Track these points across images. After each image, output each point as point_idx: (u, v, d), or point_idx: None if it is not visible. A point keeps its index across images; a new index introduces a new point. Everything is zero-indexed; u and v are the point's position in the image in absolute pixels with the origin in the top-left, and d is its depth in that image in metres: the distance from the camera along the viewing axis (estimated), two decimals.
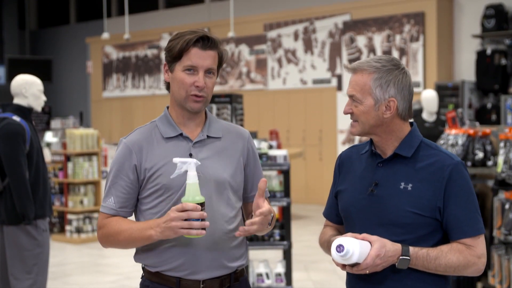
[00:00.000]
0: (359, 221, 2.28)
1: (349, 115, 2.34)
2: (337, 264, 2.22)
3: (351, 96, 2.30)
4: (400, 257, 2.17)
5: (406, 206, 2.23)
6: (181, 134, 2.46)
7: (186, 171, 2.26)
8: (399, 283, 2.24)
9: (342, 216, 2.41)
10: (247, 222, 2.33)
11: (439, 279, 2.27)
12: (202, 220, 2.24)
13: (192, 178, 2.25)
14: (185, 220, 2.23)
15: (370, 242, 2.17)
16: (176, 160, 2.29)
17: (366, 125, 2.28)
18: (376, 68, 2.26)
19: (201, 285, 2.41)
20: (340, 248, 2.12)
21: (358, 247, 2.13)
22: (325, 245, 2.43)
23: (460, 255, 2.21)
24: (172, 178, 2.33)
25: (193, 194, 2.25)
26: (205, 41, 2.40)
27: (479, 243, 2.24)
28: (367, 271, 2.17)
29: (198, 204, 2.24)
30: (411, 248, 2.19)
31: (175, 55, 2.40)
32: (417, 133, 2.34)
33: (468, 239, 2.23)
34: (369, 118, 2.27)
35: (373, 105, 2.26)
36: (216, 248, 2.42)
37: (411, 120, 2.38)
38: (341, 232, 2.46)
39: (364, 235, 2.20)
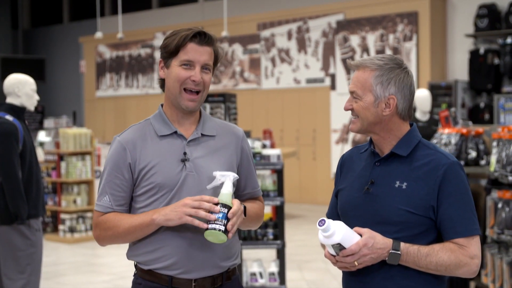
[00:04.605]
0: (355, 219, 2.29)
1: (344, 115, 2.36)
2: (327, 257, 2.24)
3: (352, 92, 2.31)
4: (391, 251, 2.18)
5: (399, 205, 2.23)
6: (175, 132, 2.45)
7: (222, 183, 2.35)
8: (390, 281, 2.24)
9: (340, 215, 2.42)
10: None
11: (432, 279, 2.26)
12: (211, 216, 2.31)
13: (228, 189, 2.33)
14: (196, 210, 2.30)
15: (361, 235, 2.19)
16: (216, 173, 2.37)
17: (365, 122, 2.30)
18: (378, 66, 2.28)
19: (193, 284, 2.41)
20: (321, 222, 2.15)
21: (343, 229, 2.16)
22: None
23: (452, 254, 2.19)
24: (208, 188, 2.38)
25: (224, 200, 2.32)
26: (202, 37, 2.42)
27: (473, 244, 2.22)
28: (356, 263, 2.18)
29: (225, 206, 2.29)
30: (402, 244, 2.19)
31: (171, 51, 2.41)
32: (415, 133, 2.35)
33: (461, 239, 2.21)
34: (368, 115, 2.28)
35: (373, 101, 2.27)
36: (210, 247, 2.41)
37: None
38: None
39: (356, 228, 2.22)
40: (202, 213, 2.28)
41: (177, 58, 2.42)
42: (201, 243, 2.40)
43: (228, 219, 2.28)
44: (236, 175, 2.37)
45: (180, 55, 2.41)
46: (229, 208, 2.29)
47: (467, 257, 2.20)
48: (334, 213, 2.49)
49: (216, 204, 2.30)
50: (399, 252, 2.18)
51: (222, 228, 2.27)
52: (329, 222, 2.15)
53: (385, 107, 2.28)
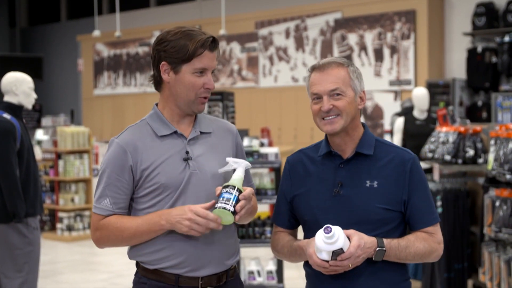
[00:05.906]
0: (327, 222, 2.27)
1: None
2: (318, 264, 2.22)
3: (332, 91, 2.32)
4: (377, 249, 2.24)
5: (375, 203, 2.30)
6: (175, 132, 2.44)
7: (234, 169, 2.36)
8: (373, 276, 2.30)
9: (303, 220, 2.43)
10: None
11: (401, 268, 2.38)
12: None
13: (240, 174, 2.34)
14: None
15: (347, 236, 2.22)
16: (228, 159, 2.38)
17: (349, 118, 2.34)
18: (349, 62, 2.38)
19: (200, 282, 2.41)
20: (328, 229, 2.16)
21: (342, 233, 2.18)
22: (285, 250, 2.45)
23: (426, 242, 2.33)
24: (220, 171, 2.40)
25: (235, 183, 2.34)
26: (213, 43, 2.40)
27: (438, 231, 2.38)
28: (350, 265, 2.20)
29: (236, 189, 2.30)
30: (384, 240, 2.27)
31: (185, 58, 2.36)
32: (370, 132, 2.43)
33: (429, 228, 2.36)
34: (352, 110, 2.34)
35: (353, 96, 2.35)
36: (215, 245, 2.42)
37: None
38: (295, 237, 2.51)
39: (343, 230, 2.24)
40: (203, 223, 2.28)
41: (190, 65, 2.37)
42: (208, 241, 2.40)
43: (237, 202, 2.29)
44: (249, 164, 2.38)
45: (195, 63, 2.37)
46: (240, 191, 2.30)
47: (436, 244, 2.36)
48: (284, 219, 2.50)
49: (227, 186, 2.31)
50: (384, 249, 2.25)
51: (232, 209, 2.27)
52: (334, 229, 2.16)
53: (360, 101, 2.38)
